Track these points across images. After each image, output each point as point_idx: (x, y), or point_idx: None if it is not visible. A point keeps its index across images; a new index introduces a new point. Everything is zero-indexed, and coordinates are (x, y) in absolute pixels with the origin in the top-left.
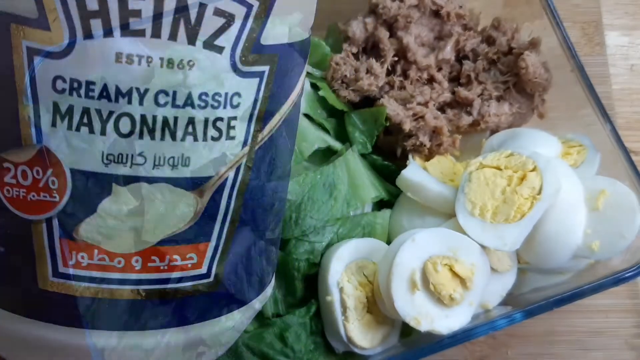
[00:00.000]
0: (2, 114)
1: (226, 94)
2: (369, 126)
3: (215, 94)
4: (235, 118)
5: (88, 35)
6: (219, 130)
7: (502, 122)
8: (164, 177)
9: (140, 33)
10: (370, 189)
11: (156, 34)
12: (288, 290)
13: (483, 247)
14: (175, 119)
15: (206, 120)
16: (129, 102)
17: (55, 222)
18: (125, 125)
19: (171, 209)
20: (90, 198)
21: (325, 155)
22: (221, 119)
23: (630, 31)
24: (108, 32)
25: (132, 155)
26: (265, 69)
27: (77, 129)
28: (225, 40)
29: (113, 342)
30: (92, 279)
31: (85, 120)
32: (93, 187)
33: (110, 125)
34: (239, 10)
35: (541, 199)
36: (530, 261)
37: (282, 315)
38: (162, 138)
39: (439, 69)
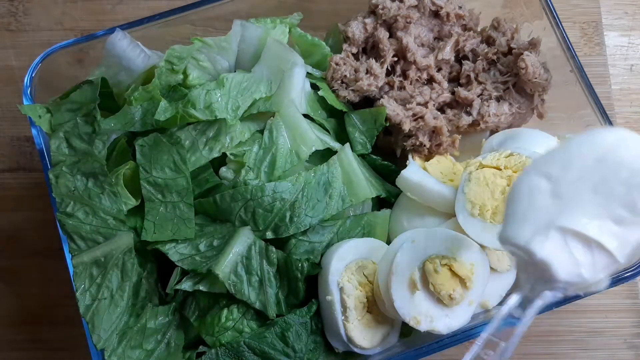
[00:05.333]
0: None
1: None
2: (369, 126)
3: None
4: None
5: None
6: None
7: (502, 122)
8: None
9: None
10: (367, 187)
11: None
12: (291, 291)
13: (483, 247)
14: None
15: None
16: None
17: None
18: None
19: None
20: None
21: (326, 156)
22: None
23: (630, 31)
24: None
25: None
26: None
27: None
28: None
29: None
30: None
31: None
32: None
33: None
34: None
35: None
36: None
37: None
38: None
39: (439, 69)
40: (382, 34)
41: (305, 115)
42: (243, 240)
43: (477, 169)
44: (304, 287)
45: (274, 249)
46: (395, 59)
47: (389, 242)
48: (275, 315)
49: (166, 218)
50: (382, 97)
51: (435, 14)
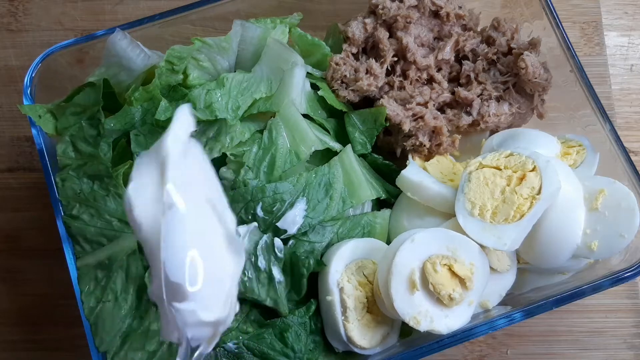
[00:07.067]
0: None
1: None
2: (369, 126)
3: None
4: None
5: None
6: None
7: (502, 122)
8: None
9: None
10: (368, 188)
11: None
12: (294, 287)
13: (482, 247)
14: None
15: None
16: None
17: None
18: None
19: None
20: None
21: (326, 157)
22: None
23: (630, 31)
24: None
25: None
26: None
27: None
28: None
29: None
30: None
31: None
32: None
33: None
34: None
35: (540, 199)
36: (529, 261)
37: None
38: None
39: (439, 69)
40: (382, 34)
41: (305, 115)
42: (249, 237)
43: (477, 169)
44: (307, 284)
45: (280, 244)
46: (395, 59)
47: (389, 242)
48: (287, 311)
49: None
50: (382, 97)
51: (435, 14)
